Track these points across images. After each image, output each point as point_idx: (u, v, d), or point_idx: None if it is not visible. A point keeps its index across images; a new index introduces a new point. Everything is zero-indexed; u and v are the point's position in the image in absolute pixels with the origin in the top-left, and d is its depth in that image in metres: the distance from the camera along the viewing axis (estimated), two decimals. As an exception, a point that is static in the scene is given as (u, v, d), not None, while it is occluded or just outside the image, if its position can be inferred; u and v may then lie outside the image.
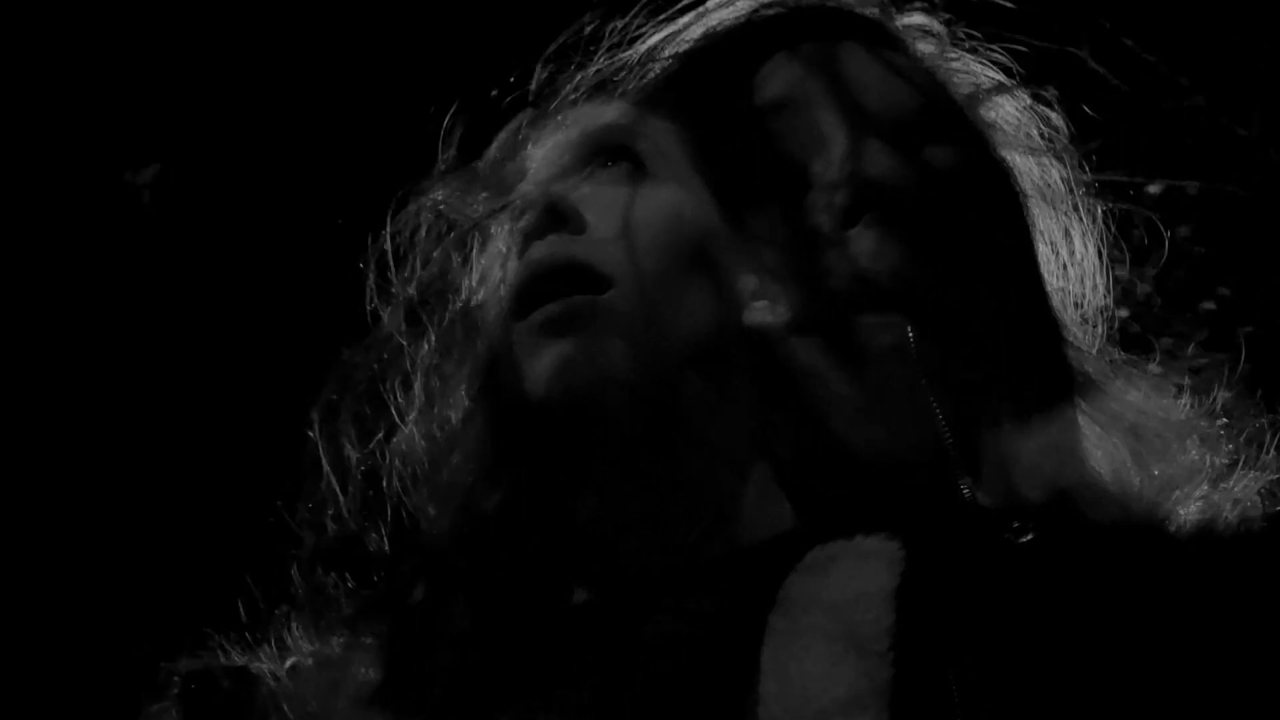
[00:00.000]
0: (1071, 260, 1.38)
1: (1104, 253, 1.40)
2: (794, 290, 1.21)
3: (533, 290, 1.25)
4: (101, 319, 2.99)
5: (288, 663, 1.26)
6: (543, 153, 1.30)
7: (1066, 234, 1.38)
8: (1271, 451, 1.35)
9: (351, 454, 1.30)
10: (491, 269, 1.30)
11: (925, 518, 1.17)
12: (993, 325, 1.26)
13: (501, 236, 1.30)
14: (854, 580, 1.13)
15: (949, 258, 1.24)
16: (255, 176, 3.00)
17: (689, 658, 1.14)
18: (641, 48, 1.28)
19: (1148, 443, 1.34)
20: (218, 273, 2.93)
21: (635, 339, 1.22)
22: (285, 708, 1.25)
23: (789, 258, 1.22)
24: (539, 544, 1.23)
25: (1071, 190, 1.39)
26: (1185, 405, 1.38)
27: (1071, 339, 1.36)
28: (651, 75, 1.27)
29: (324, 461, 1.30)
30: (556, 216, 1.26)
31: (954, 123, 1.30)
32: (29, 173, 3.00)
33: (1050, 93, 1.37)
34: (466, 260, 1.30)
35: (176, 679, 1.27)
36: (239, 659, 1.26)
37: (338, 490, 1.30)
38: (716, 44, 1.28)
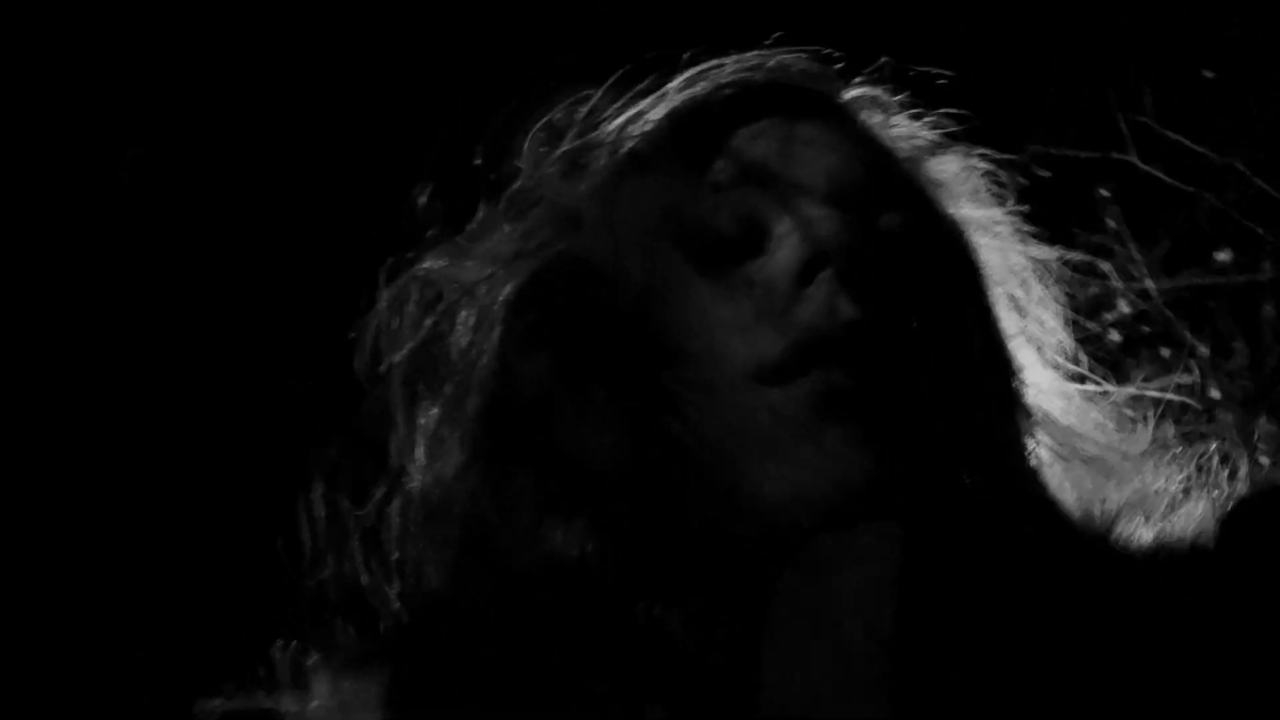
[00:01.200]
0: (1029, 303, 1.47)
1: (1061, 295, 1.49)
2: (756, 346, 1.29)
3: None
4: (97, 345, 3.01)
5: (310, 705, 1.31)
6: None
7: (1022, 280, 1.47)
8: (1224, 476, 1.43)
9: (350, 514, 1.36)
10: (481, 326, 1.35)
11: (924, 509, 1.23)
12: (947, 369, 1.35)
13: (492, 295, 1.36)
14: (853, 571, 1.19)
15: (901, 309, 1.32)
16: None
17: (689, 654, 1.21)
18: (608, 128, 1.37)
19: (1110, 473, 1.42)
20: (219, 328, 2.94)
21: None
22: None
23: (749, 315, 1.30)
24: (551, 561, 1.26)
25: (1025, 239, 1.48)
26: (1145, 435, 1.47)
27: (1032, 379, 1.44)
28: (620, 153, 1.37)
29: (322, 518, 1.36)
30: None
31: (901, 183, 1.40)
32: (26, 167, 3.04)
33: (994, 153, 1.47)
34: (454, 325, 1.38)
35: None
36: (266, 701, 1.33)
37: (336, 547, 1.36)
38: (679, 123, 1.38)
